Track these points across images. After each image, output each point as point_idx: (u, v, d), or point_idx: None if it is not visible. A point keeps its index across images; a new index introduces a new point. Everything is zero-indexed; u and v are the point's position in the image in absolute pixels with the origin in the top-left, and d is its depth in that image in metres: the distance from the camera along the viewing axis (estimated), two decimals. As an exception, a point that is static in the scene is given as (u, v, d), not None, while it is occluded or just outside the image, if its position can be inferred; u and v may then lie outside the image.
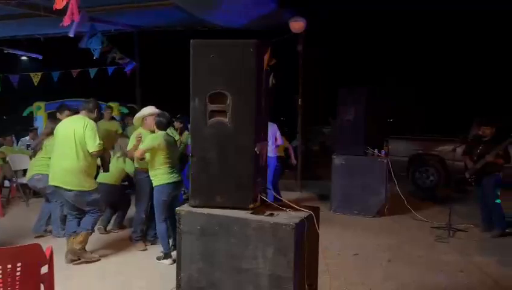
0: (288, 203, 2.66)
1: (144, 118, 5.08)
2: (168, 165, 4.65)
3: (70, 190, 4.45)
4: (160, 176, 4.65)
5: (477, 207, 6.25)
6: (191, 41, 2.54)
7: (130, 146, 5.00)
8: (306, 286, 2.45)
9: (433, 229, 6.12)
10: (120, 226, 5.95)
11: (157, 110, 5.01)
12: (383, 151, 6.96)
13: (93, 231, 4.81)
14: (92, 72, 10.16)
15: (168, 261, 4.68)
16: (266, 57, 2.59)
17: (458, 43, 17.97)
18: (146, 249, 5.11)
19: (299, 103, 8.82)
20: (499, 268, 4.68)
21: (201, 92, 2.51)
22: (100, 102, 10.29)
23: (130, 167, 5.53)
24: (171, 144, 4.76)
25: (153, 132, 4.82)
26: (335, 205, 7.04)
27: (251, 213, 2.49)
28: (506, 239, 5.71)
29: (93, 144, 4.37)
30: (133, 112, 10.06)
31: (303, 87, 8.82)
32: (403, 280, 4.31)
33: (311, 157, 13.54)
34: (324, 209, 7.17)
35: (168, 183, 4.64)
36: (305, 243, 2.42)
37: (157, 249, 4.95)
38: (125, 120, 8.08)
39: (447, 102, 17.51)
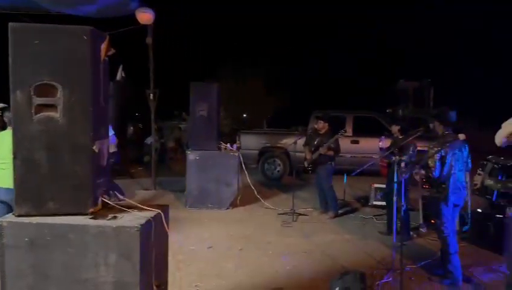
0: (134, 203, 2.51)
1: None
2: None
3: None
4: None
5: (316, 192, 7.02)
6: (10, 24, 2.17)
7: None
8: (154, 288, 2.36)
9: (279, 215, 6.64)
10: None
11: None
12: (234, 146, 7.24)
13: None
14: None
15: None
16: (104, 47, 2.38)
17: (300, 43, 19.90)
18: None
19: (151, 97, 8.52)
20: (334, 246, 5.32)
21: (24, 83, 2.17)
22: None
23: None
24: None
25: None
26: (190, 201, 7.04)
27: (91, 218, 2.26)
28: (340, 219, 6.55)
29: None
30: None
31: (155, 82, 8.55)
32: (253, 266, 4.56)
33: (167, 154, 13.31)
34: (180, 205, 7.14)
35: None
36: (152, 243, 2.32)
37: None
38: None
39: (292, 97, 19.24)
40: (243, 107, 18.69)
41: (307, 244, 5.34)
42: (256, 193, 7.23)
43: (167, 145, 13.60)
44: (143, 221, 2.26)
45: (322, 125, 6.59)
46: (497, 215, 4.92)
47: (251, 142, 10.07)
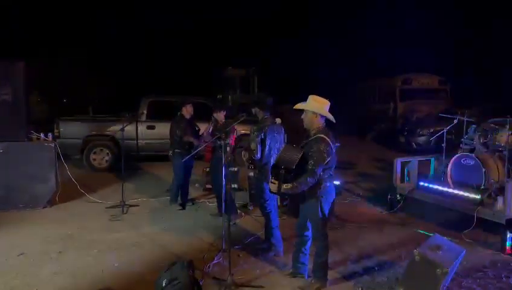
0: None
1: None
2: None
3: None
4: None
5: (147, 181, 6.71)
6: None
7: None
8: None
9: (108, 209, 6.13)
10: None
11: None
12: (50, 135, 6.33)
13: None
14: None
15: None
16: None
17: (124, 27, 18.80)
18: None
19: None
20: (166, 235, 5.17)
21: None
22: None
23: None
24: None
25: None
26: (-6, 203, 5.90)
27: None
28: (174, 207, 6.36)
29: None
30: None
31: None
32: (75, 269, 4.07)
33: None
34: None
35: None
36: None
37: None
38: None
39: (120, 82, 18.07)
40: (64, 91, 16.65)
41: (137, 237, 5.05)
42: (79, 186, 6.52)
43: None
44: None
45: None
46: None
47: (73, 130, 9.05)
